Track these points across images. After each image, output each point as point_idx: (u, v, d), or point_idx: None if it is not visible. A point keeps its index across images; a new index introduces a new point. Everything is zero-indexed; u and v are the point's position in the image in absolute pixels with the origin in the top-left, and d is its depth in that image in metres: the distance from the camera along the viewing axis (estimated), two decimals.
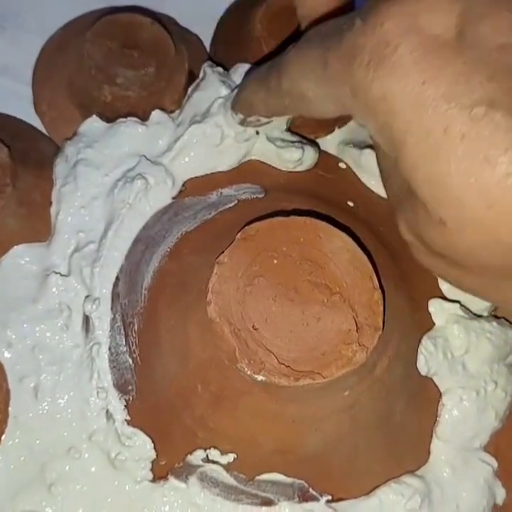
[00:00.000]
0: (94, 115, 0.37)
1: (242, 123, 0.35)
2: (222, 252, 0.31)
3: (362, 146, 0.38)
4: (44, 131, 0.39)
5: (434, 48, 0.24)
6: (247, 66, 0.37)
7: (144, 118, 0.37)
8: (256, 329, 0.30)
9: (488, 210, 0.24)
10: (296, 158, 0.36)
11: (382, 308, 0.31)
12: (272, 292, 0.31)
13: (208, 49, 0.41)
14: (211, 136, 0.36)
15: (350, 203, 0.37)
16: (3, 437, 0.33)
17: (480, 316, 0.36)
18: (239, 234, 0.31)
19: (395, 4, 0.25)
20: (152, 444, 0.32)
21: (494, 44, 0.24)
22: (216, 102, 0.36)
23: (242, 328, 0.30)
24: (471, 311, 0.36)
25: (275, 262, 0.31)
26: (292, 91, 0.29)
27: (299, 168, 0.37)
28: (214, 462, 0.32)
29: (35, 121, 0.39)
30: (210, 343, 0.31)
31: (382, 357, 0.33)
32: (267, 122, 0.34)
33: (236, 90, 0.35)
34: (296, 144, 0.37)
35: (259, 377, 0.30)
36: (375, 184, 0.38)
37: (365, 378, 0.32)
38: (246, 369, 0.30)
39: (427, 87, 0.24)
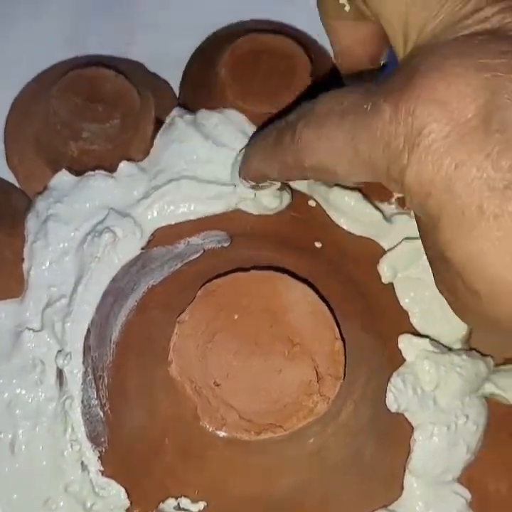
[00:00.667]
0: (64, 169, 0.37)
1: (255, 188, 0.36)
2: (184, 311, 0.31)
3: (330, 183, 0.39)
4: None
5: (464, 134, 0.25)
6: (207, 112, 0.38)
7: (111, 170, 0.37)
8: (218, 385, 0.31)
9: None
10: (274, 206, 0.37)
11: (343, 357, 0.32)
12: (234, 347, 0.31)
13: (177, 92, 0.42)
14: (189, 195, 0.37)
15: (318, 244, 0.37)
16: None
17: (451, 349, 0.36)
18: (200, 291, 0.32)
19: (423, 90, 0.26)
20: (125, 494, 0.33)
21: None
22: (194, 157, 0.37)
23: (204, 386, 0.31)
24: (442, 344, 0.37)
25: (236, 316, 0.32)
26: (318, 169, 0.30)
27: (271, 212, 0.38)
28: (185, 510, 0.33)
29: (9, 175, 0.40)
30: (174, 400, 0.31)
31: (347, 402, 0.33)
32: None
33: (240, 158, 0.36)
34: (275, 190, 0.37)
35: (221, 434, 0.30)
36: (345, 221, 0.38)
37: (329, 425, 0.32)
38: (208, 426, 0.30)
39: (458, 171, 0.25)
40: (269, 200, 0.37)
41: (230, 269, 0.33)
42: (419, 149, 0.26)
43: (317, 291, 0.33)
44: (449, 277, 0.28)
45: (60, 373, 0.35)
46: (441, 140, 0.26)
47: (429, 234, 0.28)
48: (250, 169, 0.35)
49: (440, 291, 0.31)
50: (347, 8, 0.33)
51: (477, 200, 0.25)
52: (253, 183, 0.36)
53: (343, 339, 0.32)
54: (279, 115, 0.33)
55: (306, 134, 0.30)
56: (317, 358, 0.31)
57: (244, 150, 0.37)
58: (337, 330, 0.32)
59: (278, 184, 0.36)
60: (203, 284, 0.32)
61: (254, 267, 0.33)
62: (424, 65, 0.27)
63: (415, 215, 0.30)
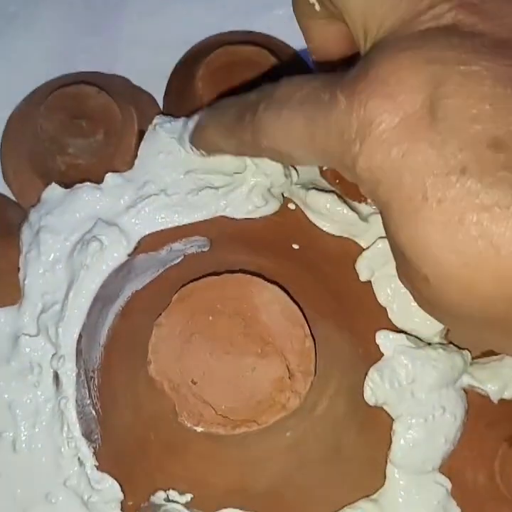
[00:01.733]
0: (54, 183, 0.39)
1: (205, 156, 0.38)
2: (161, 314, 0.33)
3: (308, 186, 0.40)
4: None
5: (411, 124, 0.27)
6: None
7: (98, 181, 0.39)
8: (195, 383, 0.33)
9: (464, 268, 0.27)
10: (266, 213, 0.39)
11: (313, 354, 0.33)
12: (209, 347, 0.33)
13: (161, 104, 0.44)
14: (174, 204, 0.39)
15: (296, 246, 0.39)
16: None
17: (429, 344, 0.38)
18: (175, 295, 0.34)
19: (376, 83, 0.28)
20: (119, 487, 0.36)
21: (466, 115, 0.27)
22: (180, 168, 0.39)
23: (182, 384, 0.33)
24: (420, 339, 0.38)
25: (210, 318, 0.34)
26: (274, 150, 0.32)
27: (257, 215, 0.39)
28: (174, 501, 0.35)
29: (6, 190, 0.42)
30: (155, 399, 0.33)
31: (322, 397, 0.35)
32: None
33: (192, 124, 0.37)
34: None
35: (199, 429, 0.32)
36: (322, 223, 0.40)
37: (305, 419, 0.34)
38: (186, 422, 0.32)
39: (405, 159, 0.27)
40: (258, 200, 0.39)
41: (207, 273, 0.35)
42: (370, 139, 0.27)
43: (289, 292, 0.34)
44: (405, 267, 0.30)
45: (56, 375, 0.37)
46: (391, 130, 0.27)
47: (384, 224, 0.29)
48: (205, 139, 0.36)
49: (403, 284, 0.32)
50: (317, 7, 0.35)
51: (422, 187, 0.27)
52: (204, 153, 0.37)
53: (313, 337, 0.34)
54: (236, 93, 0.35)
55: (265, 116, 0.31)
56: (288, 356, 0.33)
57: (197, 117, 0.38)
58: (307, 328, 0.34)
59: None
60: (178, 289, 0.34)
61: (229, 271, 0.34)
62: (378, 58, 0.28)
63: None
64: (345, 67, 0.30)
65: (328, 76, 0.30)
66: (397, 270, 0.32)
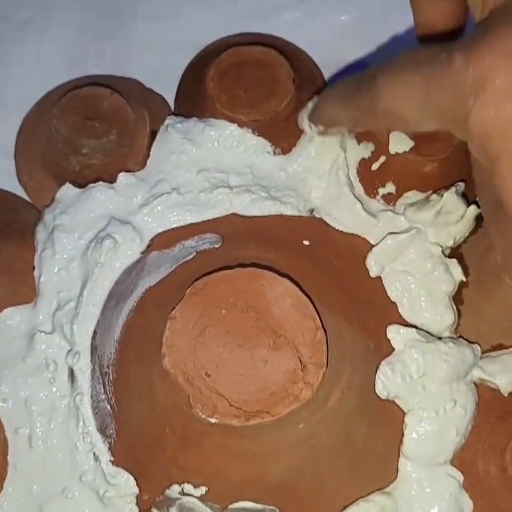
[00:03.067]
0: (68, 182, 0.40)
1: (323, 134, 0.40)
2: (174, 308, 0.34)
3: None
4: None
5: None
6: (199, 122, 0.41)
7: (112, 181, 0.40)
8: (209, 376, 0.33)
9: None
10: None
11: (325, 346, 0.34)
12: (222, 340, 0.34)
13: (173, 106, 0.44)
14: (187, 202, 0.39)
15: (306, 242, 0.39)
16: (4, 484, 0.37)
17: (440, 338, 0.38)
18: (188, 289, 0.34)
19: (494, 42, 0.29)
20: (134, 481, 0.36)
21: None
22: (193, 168, 0.40)
23: (196, 376, 0.33)
24: (431, 334, 0.38)
25: (223, 312, 0.34)
26: (390, 113, 0.33)
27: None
28: (189, 495, 0.35)
29: (21, 191, 0.43)
30: (170, 392, 0.34)
31: (334, 389, 0.35)
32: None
33: (311, 105, 0.39)
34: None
35: (213, 420, 0.33)
36: (332, 220, 0.41)
37: (317, 411, 0.35)
38: (200, 413, 0.33)
39: None
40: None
41: (219, 267, 0.35)
42: (485, 94, 0.29)
43: (301, 286, 0.35)
44: (504, 223, 0.31)
45: (71, 371, 0.38)
46: (506, 86, 0.28)
47: (486, 180, 0.31)
48: (322, 114, 0.38)
49: (497, 247, 0.34)
50: None
51: None
52: (321, 129, 0.39)
53: (325, 330, 0.34)
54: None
55: (382, 81, 0.33)
56: (300, 348, 0.34)
57: (317, 98, 0.39)
58: (319, 320, 0.34)
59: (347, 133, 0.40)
60: (191, 283, 0.34)
61: (240, 265, 0.35)
62: (497, 22, 0.30)
63: (473, 166, 0.33)
64: (449, 40, 0.32)
65: (445, 43, 0.31)
66: (491, 233, 0.33)
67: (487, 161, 0.30)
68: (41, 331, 0.38)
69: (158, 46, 0.46)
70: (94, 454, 0.37)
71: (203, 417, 0.33)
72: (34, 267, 0.39)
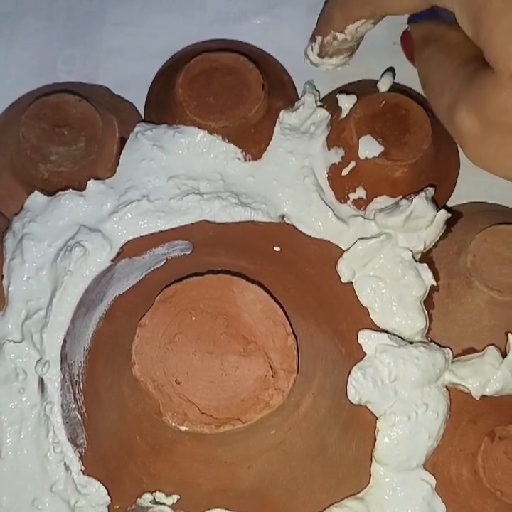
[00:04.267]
0: (36, 190, 0.40)
1: (321, 51, 0.44)
2: (144, 315, 0.34)
3: None
4: None
5: None
6: (169, 129, 0.41)
7: (81, 189, 0.40)
8: (179, 383, 0.33)
9: None
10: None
11: (296, 352, 0.34)
12: (192, 347, 0.34)
13: (143, 113, 0.44)
14: (157, 210, 0.39)
15: (277, 248, 0.39)
16: None
17: (411, 343, 0.38)
18: (158, 296, 0.34)
19: None
20: (106, 491, 0.36)
21: None
22: (162, 174, 0.40)
23: (166, 384, 0.33)
24: (402, 338, 0.39)
25: (193, 319, 0.34)
26: None
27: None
28: (161, 503, 0.35)
29: None
30: (140, 400, 0.34)
31: (306, 395, 0.35)
32: (343, 40, 0.43)
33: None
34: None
35: (183, 428, 0.33)
36: (303, 226, 0.41)
37: (289, 417, 0.35)
38: (170, 421, 0.33)
39: None
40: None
41: (189, 274, 0.35)
42: None
43: (272, 292, 0.35)
44: (478, 91, 0.34)
45: (40, 381, 0.37)
46: None
47: (475, 32, 0.33)
48: (321, 20, 0.43)
49: (461, 123, 0.37)
50: None
51: None
52: (319, 41, 0.43)
53: (295, 336, 0.34)
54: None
55: None
56: (271, 354, 0.33)
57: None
58: (289, 327, 0.34)
59: (341, 38, 0.43)
60: (161, 291, 0.34)
61: (211, 272, 0.35)
62: None
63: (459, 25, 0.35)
64: None
65: None
66: (458, 109, 0.37)
67: (471, 14, 0.33)
68: (10, 340, 0.38)
69: (127, 53, 0.46)
70: (64, 463, 0.36)
71: (173, 424, 0.32)
72: (2, 276, 0.39)
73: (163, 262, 0.38)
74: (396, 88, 0.42)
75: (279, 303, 0.34)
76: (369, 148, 0.40)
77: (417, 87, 0.43)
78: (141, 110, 0.44)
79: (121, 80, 0.45)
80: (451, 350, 0.38)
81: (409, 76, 0.43)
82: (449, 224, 0.40)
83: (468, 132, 0.36)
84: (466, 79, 0.36)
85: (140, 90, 0.44)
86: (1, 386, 0.37)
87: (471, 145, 0.37)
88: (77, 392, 0.36)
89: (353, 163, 0.40)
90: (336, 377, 0.36)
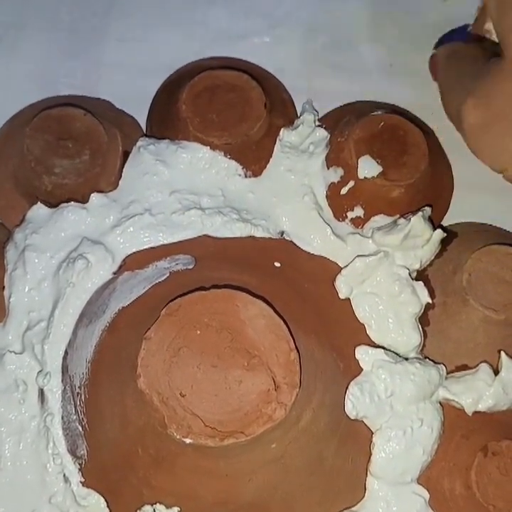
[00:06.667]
0: (39, 202, 0.40)
1: None
2: (149, 328, 0.34)
3: None
4: None
5: None
6: (172, 145, 0.41)
7: (84, 201, 0.40)
8: (183, 396, 0.34)
9: None
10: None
11: (298, 367, 0.34)
12: (196, 361, 0.34)
13: (144, 127, 0.45)
14: (159, 224, 0.40)
15: (277, 264, 0.40)
16: None
17: (407, 359, 0.39)
18: (164, 310, 0.35)
19: None
20: (105, 502, 0.36)
21: None
22: (165, 189, 0.41)
23: (170, 397, 0.33)
24: (398, 354, 0.39)
25: (198, 332, 0.34)
26: None
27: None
28: None
29: None
30: (144, 412, 0.34)
31: (306, 409, 0.36)
32: None
33: None
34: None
35: (188, 441, 0.33)
36: (302, 243, 0.41)
37: (290, 431, 0.35)
38: (175, 434, 0.33)
39: None
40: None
41: (193, 288, 0.36)
42: None
43: (274, 307, 0.35)
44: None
45: (41, 392, 0.37)
46: None
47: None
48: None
49: (468, 113, 0.39)
50: None
51: None
52: None
53: (298, 350, 0.35)
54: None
55: None
56: (274, 369, 0.34)
57: None
58: (292, 342, 0.34)
59: None
60: (166, 304, 0.34)
61: (214, 286, 0.35)
62: None
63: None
64: None
65: None
66: (469, 99, 0.39)
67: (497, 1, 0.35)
68: (11, 351, 0.38)
69: (128, 67, 0.46)
70: (64, 475, 0.37)
71: (177, 437, 0.33)
72: (4, 287, 0.39)
73: (166, 276, 0.38)
74: (393, 110, 0.43)
75: (281, 317, 0.35)
76: (368, 168, 0.41)
77: (413, 109, 0.44)
78: (141, 124, 0.45)
79: (121, 94, 0.45)
80: (445, 367, 0.39)
81: (406, 98, 0.45)
82: (445, 243, 0.41)
83: (473, 123, 0.39)
84: (474, 77, 0.39)
85: (141, 105, 0.45)
86: (0, 397, 0.37)
87: (475, 136, 0.39)
88: (78, 403, 0.37)
89: (351, 183, 0.41)
90: (335, 391, 0.37)
